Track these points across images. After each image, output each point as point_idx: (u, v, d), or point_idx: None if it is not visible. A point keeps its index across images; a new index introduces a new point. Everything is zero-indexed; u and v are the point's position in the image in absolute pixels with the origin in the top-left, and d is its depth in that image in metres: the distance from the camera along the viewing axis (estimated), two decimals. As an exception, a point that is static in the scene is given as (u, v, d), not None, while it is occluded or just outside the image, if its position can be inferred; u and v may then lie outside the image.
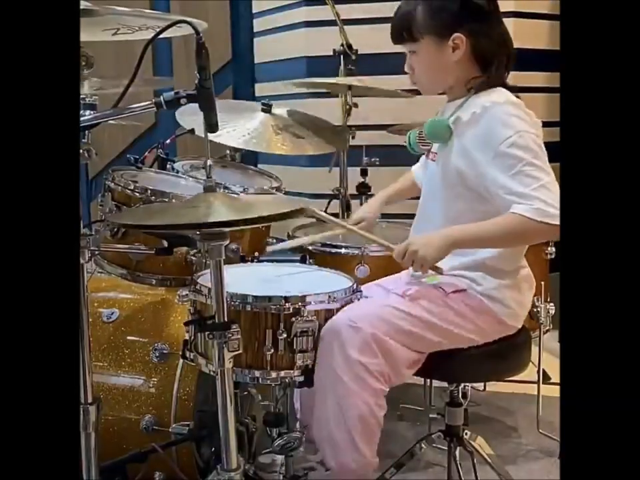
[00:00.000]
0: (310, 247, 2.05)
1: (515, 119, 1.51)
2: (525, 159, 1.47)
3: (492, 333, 1.62)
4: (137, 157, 2.12)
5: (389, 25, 1.66)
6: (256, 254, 1.98)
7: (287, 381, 1.52)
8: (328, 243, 2.04)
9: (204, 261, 1.80)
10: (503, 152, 1.48)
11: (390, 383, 1.54)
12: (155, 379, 1.85)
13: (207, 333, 1.34)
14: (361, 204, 2.54)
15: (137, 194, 1.91)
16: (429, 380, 2.29)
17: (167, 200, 1.89)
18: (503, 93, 1.58)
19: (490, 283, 1.60)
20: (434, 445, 1.92)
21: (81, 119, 1.28)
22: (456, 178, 1.59)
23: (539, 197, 1.44)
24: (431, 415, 2.18)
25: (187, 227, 1.36)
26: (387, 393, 1.54)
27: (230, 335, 1.32)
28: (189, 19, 1.23)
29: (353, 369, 1.48)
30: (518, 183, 1.46)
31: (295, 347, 1.48)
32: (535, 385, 2.26)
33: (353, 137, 2.47)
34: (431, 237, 1.55)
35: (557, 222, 1.39)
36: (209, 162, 1.33)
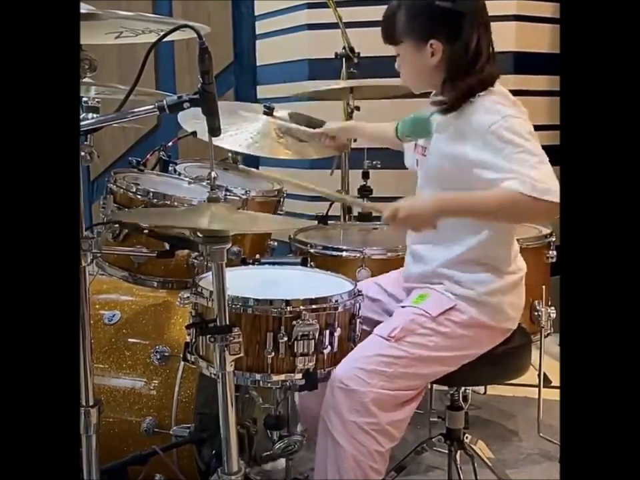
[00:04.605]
0: (311, 250, 2.05)
1: (499, 106, 1.49)
2: (514, 141, 1.43)
3: (487, 341, 1.61)
4: (139, 159, 2.13)
5: None
6: (257, 256, 1.98)
7: (287, 384, 1.52)
8: (329, 246, 2.05)
9: (205, 263, 1.80)
10: (490, 137, 1.45)
11: (392, 439, 1.53)
12: (156, 382, 1.85)
13: (208, 336, 1.35)
14: (363, 206, 2.54)
15: (139, 196, 1.91)
16: (429, 383, 2.29)
17: (168, 202, 1.89)
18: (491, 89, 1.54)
19: (482, 286, 1.57)
20: (434, 448, 1.91)
21: (84, 122, 1.28)
22: (444, 170, 1.58)
23: (529, 174, 1.40)
24: (431, 419, 2.17)
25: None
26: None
27: (231, 338, 1.33)
28: (191, 24, 1.23)
29: (348, 431, 1.48)
30: (508, 163, 1.42)
31: (295, 350, 1.48)
32: (536, 389, 2.26)
33: (355, 140, 2.47)
34: (420, 199, 1.54)
35: (548, 197, 1.36)
36: (214, 174, 1.34)
